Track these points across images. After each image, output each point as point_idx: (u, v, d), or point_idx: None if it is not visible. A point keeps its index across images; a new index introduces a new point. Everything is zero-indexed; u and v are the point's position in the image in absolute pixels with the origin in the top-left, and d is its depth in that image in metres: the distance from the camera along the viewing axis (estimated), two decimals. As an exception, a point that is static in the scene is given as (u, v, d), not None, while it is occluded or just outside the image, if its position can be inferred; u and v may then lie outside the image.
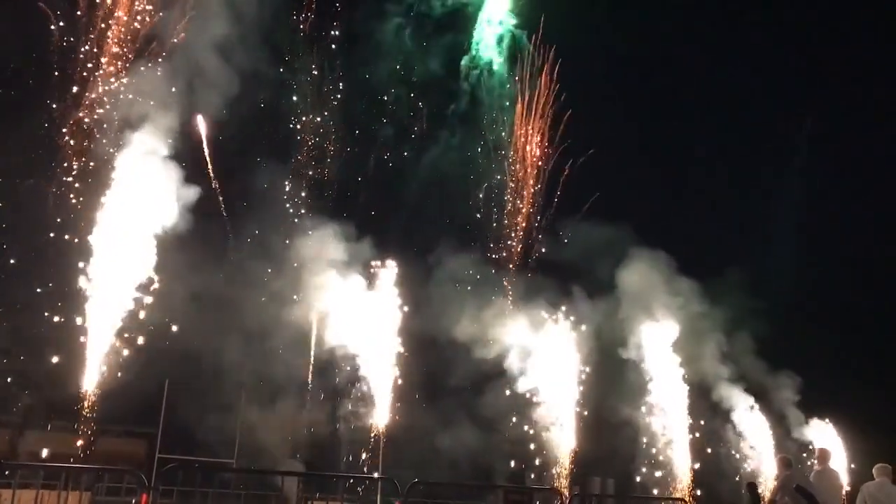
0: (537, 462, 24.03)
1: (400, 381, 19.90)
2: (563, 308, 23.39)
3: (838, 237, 33.77)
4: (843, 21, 36.17)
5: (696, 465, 24.32)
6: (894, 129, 34.91)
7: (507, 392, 23.23)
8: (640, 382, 24.29)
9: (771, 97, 36.99)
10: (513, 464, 25.37)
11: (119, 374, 16.86)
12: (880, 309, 32.99)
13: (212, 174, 19.30)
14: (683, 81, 35.48)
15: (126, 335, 16.73)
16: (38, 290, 20.71)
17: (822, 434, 27.54)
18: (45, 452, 18.65)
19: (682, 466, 24.16)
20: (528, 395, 22.84)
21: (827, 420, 27.69)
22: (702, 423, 24.85)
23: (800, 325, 31.25)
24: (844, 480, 21.22)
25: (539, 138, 31.77)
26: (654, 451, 24.50)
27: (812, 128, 36.10)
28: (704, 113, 34.95)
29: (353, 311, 19.65)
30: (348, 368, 20.19)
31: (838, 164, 35.50)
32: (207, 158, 20.34)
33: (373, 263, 20.46)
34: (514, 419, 23.88)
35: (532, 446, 23.71)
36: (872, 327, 32.87)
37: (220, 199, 21.70)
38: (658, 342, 24.24)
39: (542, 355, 22.35)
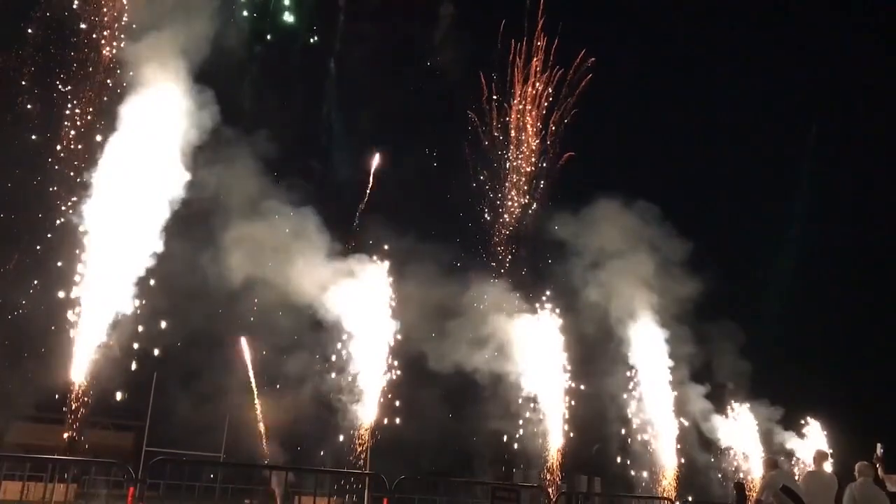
0: (524, 459, 24.12)
1: (389, 376, 19.82)
2: (548, 296, 23.38)
3: (837, 243, 34.18)
4: (849, 28, 36.52)
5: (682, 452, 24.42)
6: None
7: (496, 388, 23.24)
8: (626, 377, 24.38)
9: (777, 104, 37.30)
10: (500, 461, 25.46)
11: (107, 366, 16.75)
12: (876, 309, 33.33)
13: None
14: (688, 86, 35.86)
15: (116, 327, 16.59)
16: (27, 278, 20.62)
17: (808, 435, 27.82)
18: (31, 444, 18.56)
19: (669, 465, 24.26)
20: (516, 391, 22.83)
21: (810, 420, 27.94)
22: (685, 423, 24.97)
23: (792, 328, 31.60)
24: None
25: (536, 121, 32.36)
26: (640, 449, 24.59)
27: (818, 133, 36.60)
28: (709, 118, 35.26)
29: (345, 304, 19.55)
30: (342, 369, 20.12)
31: (842, 169, 35.88)
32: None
33: (366, 255, 20.34)
34: (501, 416, 23.89)
35: (518, 444, 23.76)
36: (866, 327, 33.19)
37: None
38: (645, 333, 24.28)
39: (529, 349, 22.29)
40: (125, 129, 17.35)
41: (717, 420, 26.39)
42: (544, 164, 33.00)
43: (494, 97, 33.38)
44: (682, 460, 24.45)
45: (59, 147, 22.71)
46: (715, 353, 26.49)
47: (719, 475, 26.62)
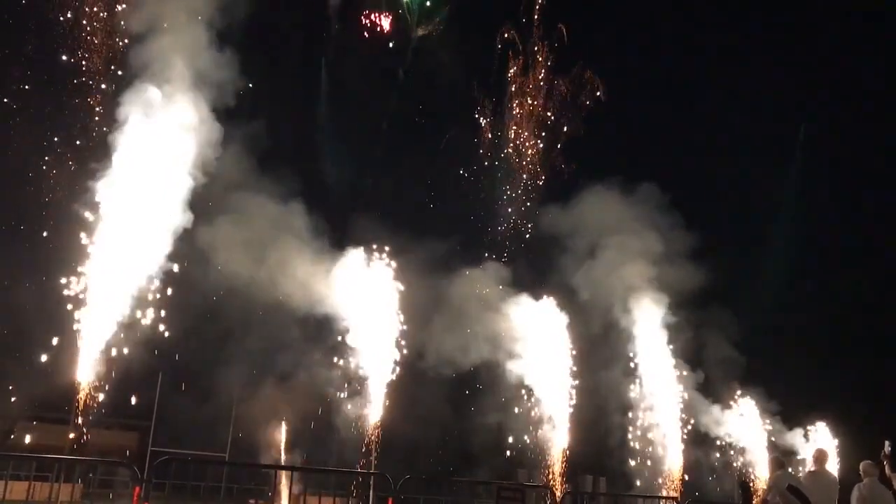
0: (528, 458, 24.06)
1: (394, 375, 19.82)
2: (549, 288, 23.29)
3: (831, 241, 34.14)
4: (839, 26, 36.37)
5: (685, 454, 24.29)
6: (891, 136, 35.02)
7: (497, 385, 23.19)
8: (629, 372, 24.29)
9: (765, 103, 37.18)
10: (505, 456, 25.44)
11: (113, 367, 16.76)
12: (872, 310, 33.23)
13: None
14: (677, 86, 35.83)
15: (122, 326, 16.59)
16: (32, 274, 20.62)
17: (812, 432, 27.72)
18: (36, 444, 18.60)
19: (675, 464, 24.16)
20: (519, 387, 22.76)
21: (818, 423, 27.80)
22: (692, 421, 24.86)
23: (791, 326, 31.49)
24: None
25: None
26: (646, 448, 24.51)
27: (807, 134, 36.57)
28: (697, 120, 35.18)
29: (350, 302, 19.54)
30: (344, 362, 20.11)
31: (833, 169, 35.81)
32: None
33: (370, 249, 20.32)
34: (505, 413, 23.86)
35: (521, 442, 23.71)
36: (864, 329, 33.08)
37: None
38: (648, 324, 24.15)
39: (533, 345, 22.21)
40: (131, 122, 17.33)
41: (715, 414, 26.27)
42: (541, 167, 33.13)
43: (491, 103, 33.64)
44: (684, 456, 24.38)
45: (63, 135, 22.76)
46: (714, 345, 26.32)
47: (713, 472, 26.48)
